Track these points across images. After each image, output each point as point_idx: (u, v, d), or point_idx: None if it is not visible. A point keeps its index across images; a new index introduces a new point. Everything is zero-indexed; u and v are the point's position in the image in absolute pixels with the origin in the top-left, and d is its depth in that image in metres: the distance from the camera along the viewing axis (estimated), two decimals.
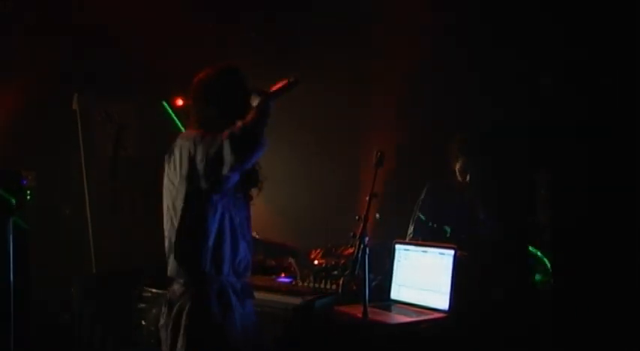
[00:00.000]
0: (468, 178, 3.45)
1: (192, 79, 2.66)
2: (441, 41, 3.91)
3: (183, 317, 2.44)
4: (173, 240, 2.52)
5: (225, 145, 2.35)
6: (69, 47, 4.28)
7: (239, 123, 2.42)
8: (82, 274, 3.74)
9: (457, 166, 3.49)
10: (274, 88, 2.54)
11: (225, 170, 2.37)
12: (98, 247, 3.70)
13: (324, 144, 4.44)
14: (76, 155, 3.67)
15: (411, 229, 3.47)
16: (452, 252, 2.83)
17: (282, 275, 3.28)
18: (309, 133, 4.45)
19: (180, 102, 3.97)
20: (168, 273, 2.56)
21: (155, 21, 4.41)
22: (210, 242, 2.50)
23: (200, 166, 2.41)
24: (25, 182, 3.54)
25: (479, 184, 3.43)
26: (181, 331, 2.44)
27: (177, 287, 2.51)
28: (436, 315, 2.78)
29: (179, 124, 3.77)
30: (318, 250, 3.51)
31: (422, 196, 3.52)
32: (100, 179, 3.79)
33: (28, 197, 3.56)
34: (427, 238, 3.22)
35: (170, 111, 3.85)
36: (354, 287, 2.96)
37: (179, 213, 2.50)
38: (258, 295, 3.08)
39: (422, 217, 3.46)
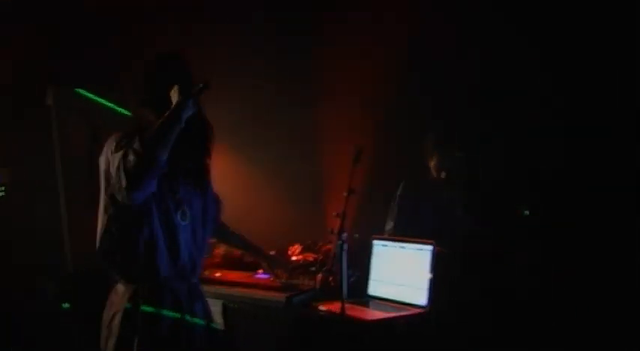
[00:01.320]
0: (443, 174, 3.47)
1: None
2: (415, 37, 3.92)
3: (117, 318, 2.32)
4: (97, 246, 2.36)
5: (120, 167, 2.15)
6: (44, 41, 4.23)
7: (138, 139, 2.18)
8: (57, 272, 3.71)
9: (432, 163, 3.51)
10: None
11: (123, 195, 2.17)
12: (74, 245, 3.66)
13: (301, 140, 4.44)
14: (51, 152, 3.63)
15: (390, 224, 3.48)
16: (430, 247, 2.84)
17: (261, 271, 3.27)
18: (284, 130, 4.45)
19: None
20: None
21: (136, 14, 4.41)
22: (141, 249, 2.30)
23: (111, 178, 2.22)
24: None
25: (454, 181, 3.45)
26: (113, 331, 2.31)
27: (119, 286, 2.39)
28: (414, 310, 2.78)
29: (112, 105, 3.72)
30: (297, 246, 3.51)
31: (399, 192, 3.53)
32: (76, 176, 3.75)
33: (2, 194, 3.52)
34: (406, 233, 3.24)
35: (93, 96, 3.72)
36: (332, 283, 2.97)
37: (103, 219, 2.33)
38: (235, 290, 3.11)
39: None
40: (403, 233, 3.24)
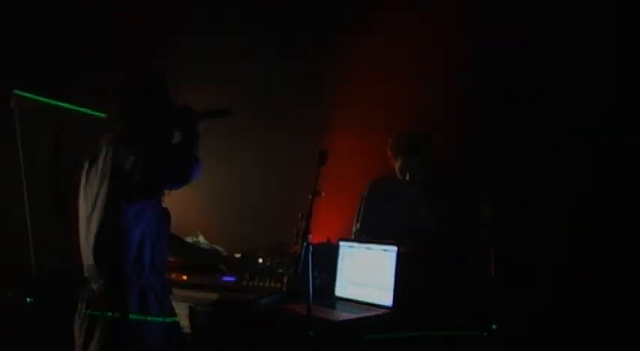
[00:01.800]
0: (407, 176, 3.51)
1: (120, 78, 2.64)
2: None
3: (101, 316, 2.43)
4: (92, 245, 2.49)
5: (165, 163, 2.43)
6: (6, 42, 4.18)
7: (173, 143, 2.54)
8: (21, 276, 3.66)
9: (396, 165, 3.54)
10: (207, 110, 2.66)
11: (163, 186, 2.48)
12: (38, 248, 3.62)
13: (266, 144, 4.47)
14: (14, 156, 3.59)
15: (357, 226, 3.50)
16: (395, 248, 2.87)
17: (226, 274, 3.26)
18: (250, 134, 4.48)
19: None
20: (86, 274, 2.54)
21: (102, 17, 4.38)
22: (132, 252, 2.48)
23: (133, 177, 2.40)
24: None
25: (417, 182, 3.49)
26: (97, 330, 2.42)
27: (96, 287, 2.48)
28: (380, 311, 2.81)
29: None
30: (263, 249, 3.51)
31: (365, 193, 3.56)
32: (40, 180, 3.71)
33: None
34: (373, 235, 3.26)
35: (38, 98, 3.71)
36: (298, 285, 2.97)
37: (98, 221, 2.48)
38: (202, 294, 3.10)
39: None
40: (369, 233, 3.26)
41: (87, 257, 2.53)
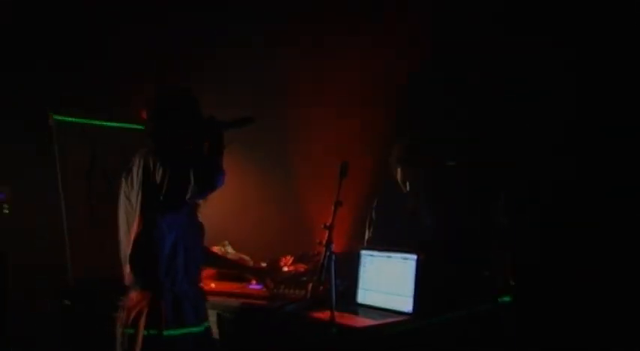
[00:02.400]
0: (407, 186, 3.58)
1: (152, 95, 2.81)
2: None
3: (142, 320, 2.59)
4: (128, 253, 2.66)
5: (191, 174, 2.51)
6: (45, 62, 4.35)
7: (199, 153, 2.66)
8: (59, 286, 3.83)
9: (398, 177, 3.61)
10: (232, 119, 2.78)
11: (188, 196, 2.54)
12: (76, 260, 3.77)
13: (291, 156, 4.58)
14: (52, 171, 3.75)
15: (367, 235, 3.60)
16: (414, 257, 2.98)
17: (253, 282, 3.40)
18: (274, 146, 4.61)
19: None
20: (126, 282, 2.71)
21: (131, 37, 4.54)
22: (165, 259, 2.64)
23: (162, 188, 2.53)
24: (2, 196, 3.63)
25: (417, 192, 3.56)
26: (139, 336, 2.58)
27: (134, 294, 2.66)
28: (400, 317, 2.91)
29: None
30: (289, 257, 3.64)
31: (374, 204, 3.65)
32: (77, 194, 3.87)
33: (6, 211, 3.64)
34: (382, 243, 3.34)
35: (74, 119, 3.91)
36: (322, 292, 3.08)
37: (135, 229, 2.64)
38: (230, 301, 3.23)
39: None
40: (380, 243, 3.35)
41: (124, 263, 2.70)
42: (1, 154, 4.07)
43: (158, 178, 2.54)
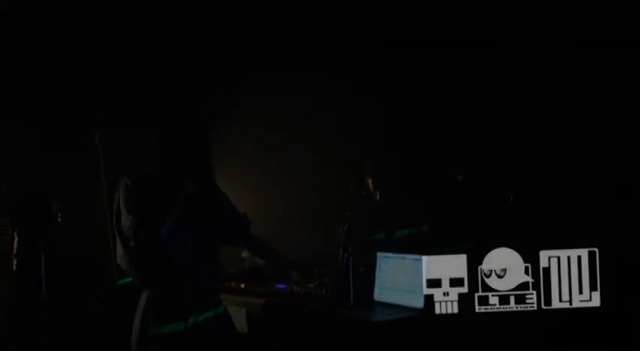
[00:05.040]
0: (378, 195, 3.83)
1: None
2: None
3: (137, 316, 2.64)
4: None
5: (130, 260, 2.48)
6: (91, 79, 4.56)
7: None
8: (104, 286, 4.14)
9: (369, 187, 3.86)
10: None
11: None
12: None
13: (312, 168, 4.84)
14: (99, 187, 3.98)
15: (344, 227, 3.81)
16: (424, 257, 3.23)
17: (279, 282, 3.69)
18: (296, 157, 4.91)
19: None
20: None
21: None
22: (162, 256, 2.53)
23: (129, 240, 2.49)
24: (56, 206, 3.92)
25: (388, 201, 3.83)
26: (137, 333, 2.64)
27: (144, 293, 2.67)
28: (413, 313, 3.13)
29: None
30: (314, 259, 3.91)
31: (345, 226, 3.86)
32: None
33: (60, 219, 3.93)
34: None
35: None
36: (341, 291, 3.34)
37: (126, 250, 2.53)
38: (257, 300, 3.51)
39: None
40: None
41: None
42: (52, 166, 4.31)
43: (125, 230, 2.50)
